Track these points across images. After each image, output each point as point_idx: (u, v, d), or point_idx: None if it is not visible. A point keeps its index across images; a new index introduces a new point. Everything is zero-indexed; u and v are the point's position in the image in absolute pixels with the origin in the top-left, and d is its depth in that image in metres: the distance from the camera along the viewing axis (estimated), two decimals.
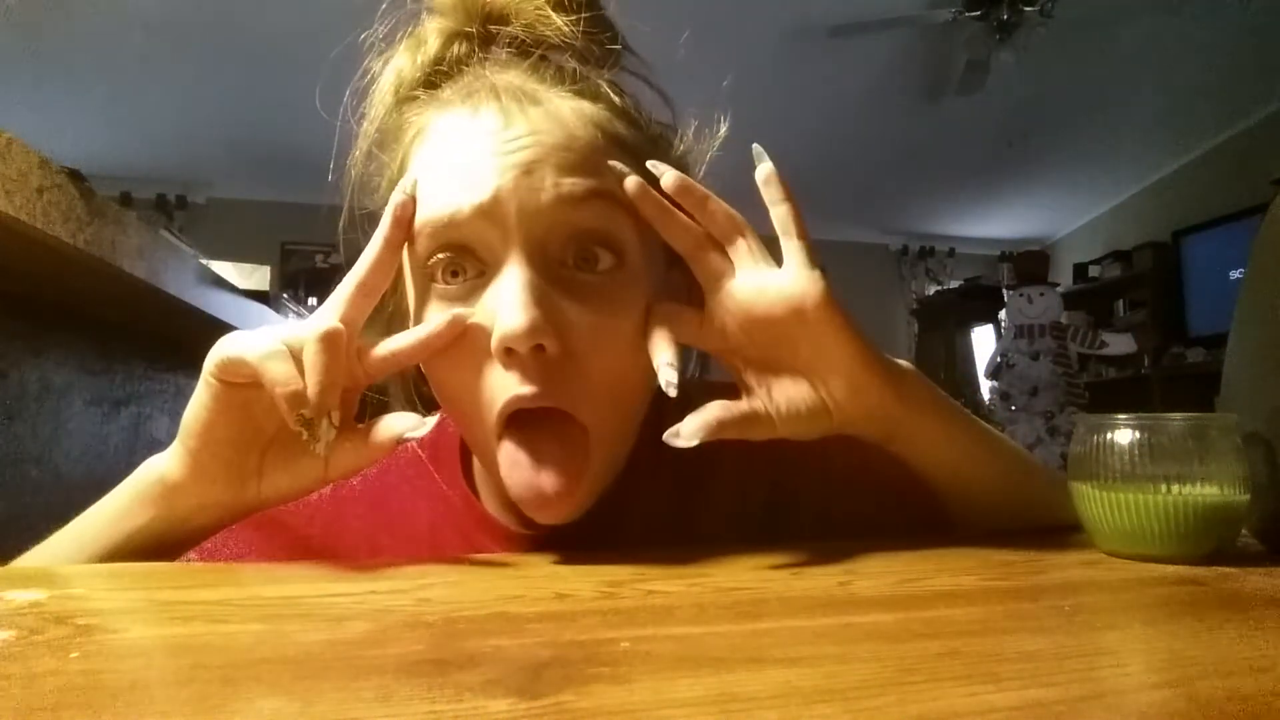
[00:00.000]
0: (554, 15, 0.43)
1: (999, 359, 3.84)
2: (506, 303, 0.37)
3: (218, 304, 0.96)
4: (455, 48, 0.44)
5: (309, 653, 0.25)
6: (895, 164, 4.36)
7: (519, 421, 0.39)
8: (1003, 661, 0.25)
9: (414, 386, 0.49)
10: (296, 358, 0.36)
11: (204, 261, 0.96)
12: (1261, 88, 3.65)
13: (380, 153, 0.45)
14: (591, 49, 0.44)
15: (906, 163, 4.34)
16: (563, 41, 0.43)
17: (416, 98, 0.44)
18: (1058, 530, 0.46)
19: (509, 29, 0.44)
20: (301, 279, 4.21)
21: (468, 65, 0.44)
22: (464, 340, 0.39)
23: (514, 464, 0.38)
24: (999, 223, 5.23)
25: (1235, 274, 3.85)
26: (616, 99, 0.45)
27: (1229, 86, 3.64)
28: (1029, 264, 4.01)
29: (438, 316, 0.39)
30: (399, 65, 0.45)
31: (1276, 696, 0.22)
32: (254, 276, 3.81)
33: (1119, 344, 3.82)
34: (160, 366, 1.07)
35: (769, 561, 0.39)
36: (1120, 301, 4.57)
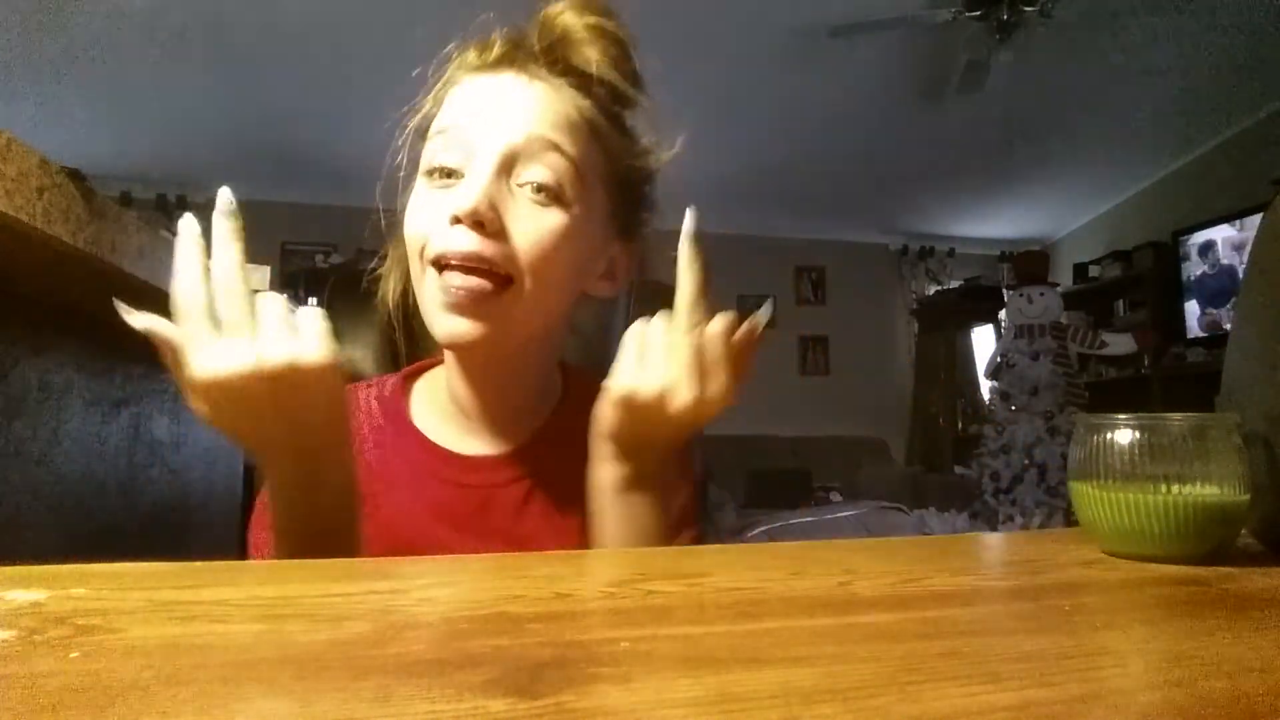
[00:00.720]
0: (584, 51, 0.55)
1: (999, 359, 3.84)
2: (465, 189, 0.50)
3: None
4: (514, 53, 0.56)
5: (309, 653, 0.25)
6: (895, 164, 4.36)
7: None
8: (1003, 661, 0.25)
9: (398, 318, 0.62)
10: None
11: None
12: (1261, 88, 3.65)
13: (426, 112, 0.57)
14: (616, 88, 0.57)
15: (906, 163, 4.34)
16: (579, 70, 0.55)
17: (458, 76, 0.56)
18: (1058, 530, 0.46)
19: (554, 51, 0.56)
20: (301, 279, 4.21)
21: (506, 64, 0.55)
22: (434, 220, 0.51)
23: (445, 285, 0.50)
24: (999, 223, 5.23)
25: (1235, 274, 3.85)
26: (604, 109, 0.56)
27: (1229, 86, 3.63)
28: (1029, 264, 4.01)
29: (420, 199, 0.53)
30: (466, 57, 0.57)
31: (1276, 696, 0.22)
32: (254, 276, 3.79)
33: (1119, 344, 3.82)
34: (160, 366, 1.07)
35: (769, 561, 0.39)
36: (1120, 301, 4.56)
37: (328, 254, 4.34)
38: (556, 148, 0.52)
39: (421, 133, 0.57)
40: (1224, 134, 4.10)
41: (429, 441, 0.60)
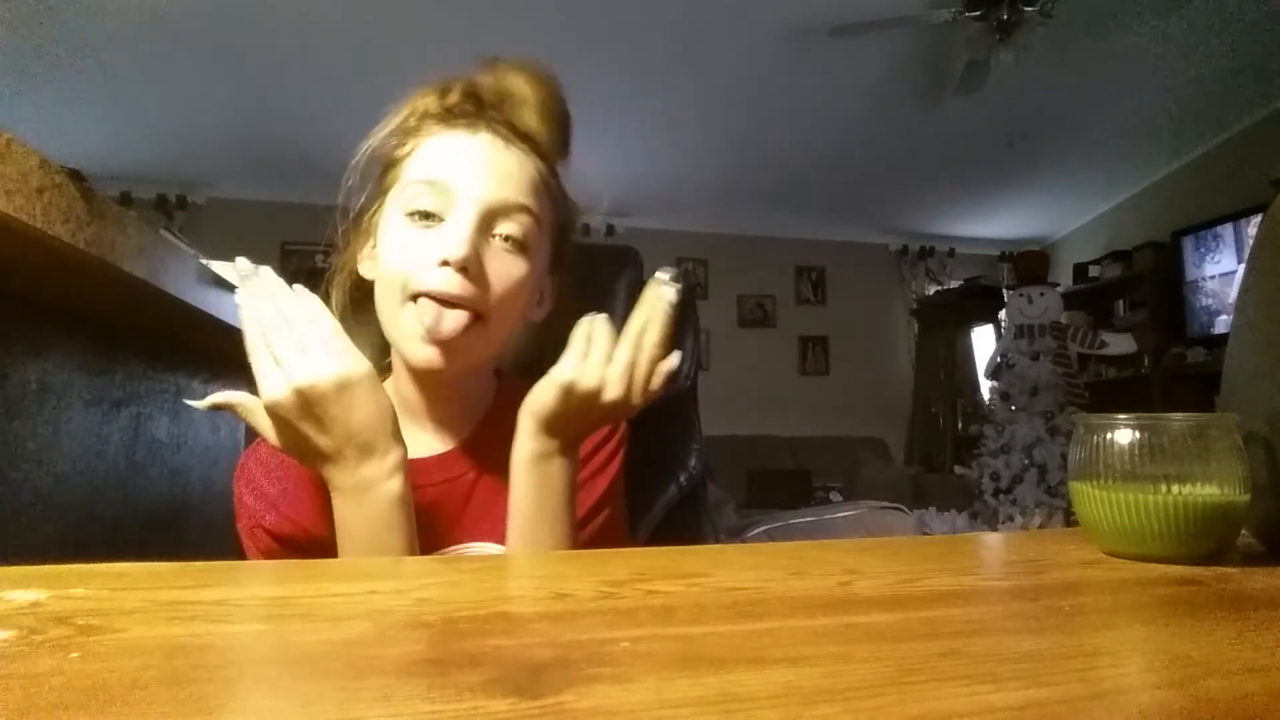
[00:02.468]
0: (534, 118, 0.64)
1: (999, 359, 3.85)
2: (454, 237, 0.57)
3: (217, 304, 0.96)
4: (467, 104, 0.64)
5: (309, 653, 0.25)
6: (895, 164, 4.35)
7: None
8: (1003, 661, 0.25)
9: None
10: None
11: (204, 261, 0.96)
12: (1261, 88, 3.65)
13: (394, 140, 0.64)
14: (548, 143, 0.66)
15: (906, 163, 4.34)
16: (531, 133, 0.64)
17: (426, 123, 0.64)
18: (1058, 530, 0.46)
19: (504, 108, 0.64)
20: (302, 279, 4.20)
21: (473, 113, 0.64)
22: (418, 259, 0.57)
23: (425, 310, 0.57)
24: (999, 223, 5.23)
25: (1235, 274, 3.85)
26: (549, 168, 0.66)
27: (1229, 86, 3.63)
28: (1029, 264, 4.01)
29: (402, 238, 0.59)
30: (424, 102, 0.64)
31: (1276, 696, 0.22)
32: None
33: (1119, 344, 3.81)
34: (160, 366, 1.07)
35: (769, 561, 0.39)
36: (1120, 301, 4.56)
37: (328, 254, 4.33)
38: (527, 209, 0.61)
39: (384, 163, 0.64)
40: (1224, 134, 4.10)
41: None
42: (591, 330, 0.57)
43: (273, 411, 0.51)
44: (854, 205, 4.88)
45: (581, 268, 0.60)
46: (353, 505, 0.53)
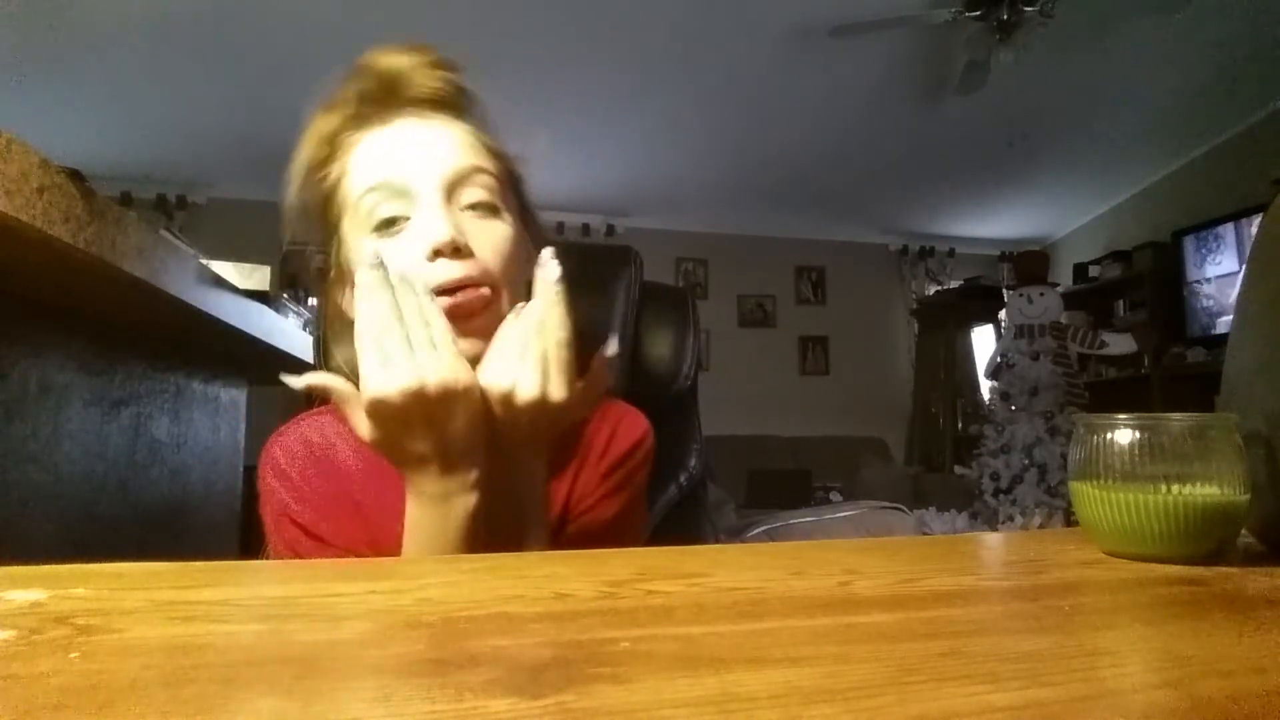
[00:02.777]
0: (429, 78, 0.62)
1: (999, 359, 3.84)
2: (431, 224, 0.55)
3: (217, 304, 0.96)
4: (365, 106, 0.61)
5: (309, 653, 0.25)
6: (895, 164, 4.35)
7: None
8: (1003, 661, 0.25)
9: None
10: None
11: (204, 261, 0.96)
12: (1261, 88, 3.65)
13: (316, 174, 0.62)
14: (456, 100, 0.64)
15: (906, 163, 4.34)
16: (436, 96, 0.62)
17: (339, 142, 0.61)
18: (1058, 530, 0.46)
19: (400, 88, 0.61)
20: (303, 278, 4.20)
21: (376, 112, 0.61)
22: (405, 264, 0.53)
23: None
24: (999, 223, 5.23)
25: (1235, 274, 3.85)
26: (475, 125, 0.63)
27: (1229, 86, 3.63)
28: (1029, 264, 4.01)
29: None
30: (323, 126, 0.62)
31: (1276, 696, 0.22)
32: (254, 276, 3.79)
33: (1119, 344, 3.81)
34: (160, 366, 1.07)
35: (769, 561, 0.39)
36: (1120, 301, 4.56)
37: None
38: (480, 169, 0.59)
39: (320, 204, 0.62)
40: (1224, 134, 4.10)
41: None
42: (507, 328, 0.54)
43: (372, 409, 0.49)
44: (854, 205, 4.88)
45: (581, 268, 0.59)
46: (427, 512, 0.52)
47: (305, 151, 0.62)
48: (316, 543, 0.57)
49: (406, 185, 0.57)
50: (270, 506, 0.59)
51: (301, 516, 0.58)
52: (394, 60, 0.62)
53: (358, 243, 0.58)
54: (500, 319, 0.56)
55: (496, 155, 0.63)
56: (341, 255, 0.61)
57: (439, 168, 0.57)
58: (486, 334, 0.55)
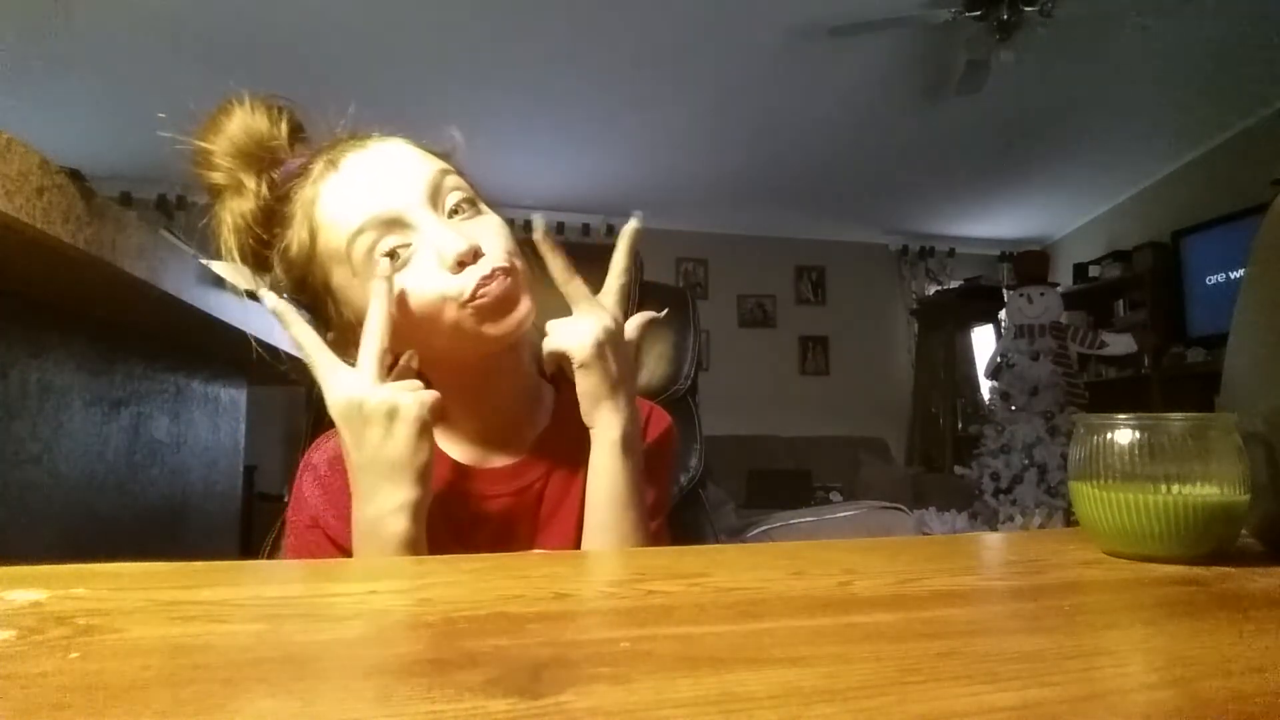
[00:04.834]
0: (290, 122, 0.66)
1: (999, 359, 3.85)
2: (442, 239, 0.55)
3: (217, 304, 0.96)
4: (263, 188, 0.62)
5: (309, 653, 0.25)
6: (895, 164, 4.35)
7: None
8: (1003, 661, 0.25)
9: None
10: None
11: (204, 261, 0.96)
12: (1261, 88, 3.65)
13: (294, 259, 0.60)
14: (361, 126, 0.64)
15: (906, 163, 4.34)
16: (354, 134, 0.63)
17: (295, 208, 0.60)
18: (1058, 530, 0.46)
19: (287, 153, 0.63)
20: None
21: (316, 166, 0.60)
22: (425, 288, 0.55)
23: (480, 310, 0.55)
24: (999, 223, 5.22)
25: (1235, 274, 3.85)
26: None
27: (1229, 86, 3.63)
28: (1029, 264, 4.01)
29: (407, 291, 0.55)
30: (239, 212, 0.62)
31: (1276, 696, 0.22)
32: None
33: (1119, 344, 3.82)
34: (160, 366, 1.07)
35: (769, 561, 0.39)
36: (1120, 301, 4.56)
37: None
38: (446, 171, 0.59)
39: (299, 274, 0.60)
40: (1224, 134, 4.10)
41: (453, 461, 0.63)
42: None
43: (330, 411, 0.52)
44: (854, 205, 4.88)
45: (581, 268, 0.60)
46: (361, 535, 0.52)
47: (234, 245, 0.62)
48: (342, 555, 0.57)
49: (393, 213, 0.56)
50: (302, 514, 0.60)
51: (333, 529, 0.58)
52: (252, 124, 0.66)
53: (365, 287, 0.56)
54: (529, 298, 0.59)
55: (438, 154, 0.63)
56: (344, 313, 0.60)
57: (414, 184, 0.57)
58: (528, 295, 0.58)
